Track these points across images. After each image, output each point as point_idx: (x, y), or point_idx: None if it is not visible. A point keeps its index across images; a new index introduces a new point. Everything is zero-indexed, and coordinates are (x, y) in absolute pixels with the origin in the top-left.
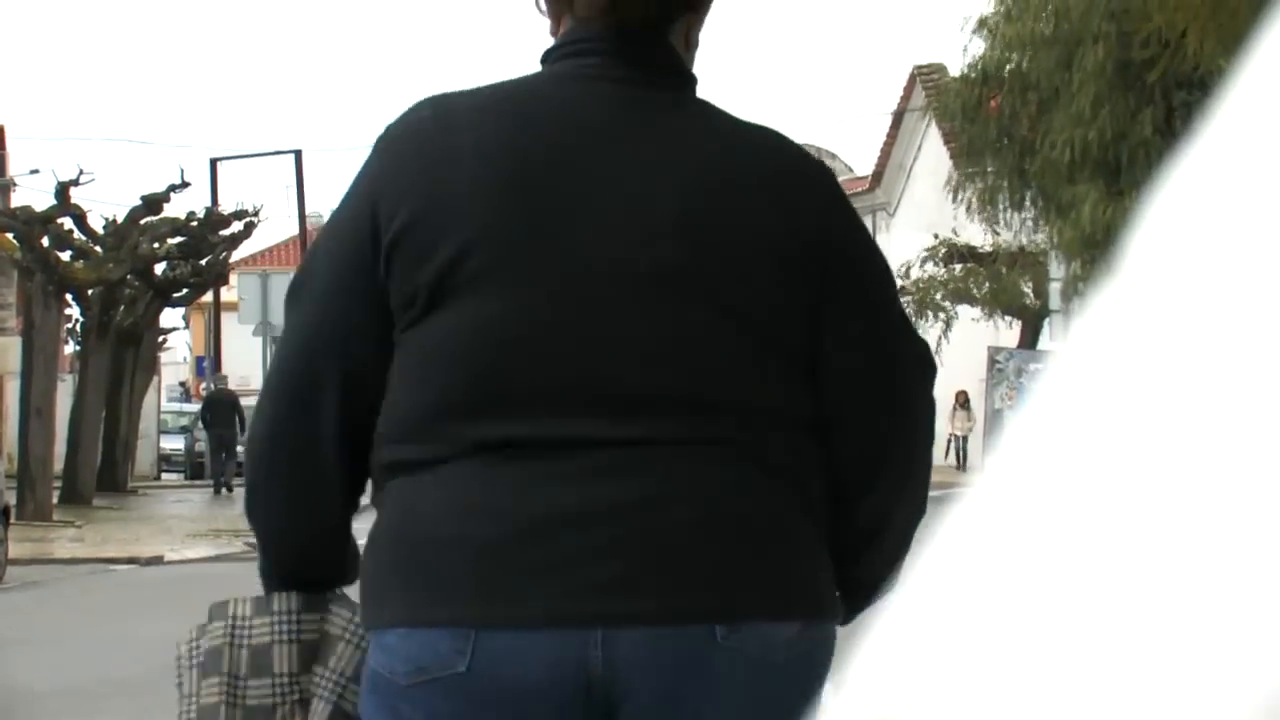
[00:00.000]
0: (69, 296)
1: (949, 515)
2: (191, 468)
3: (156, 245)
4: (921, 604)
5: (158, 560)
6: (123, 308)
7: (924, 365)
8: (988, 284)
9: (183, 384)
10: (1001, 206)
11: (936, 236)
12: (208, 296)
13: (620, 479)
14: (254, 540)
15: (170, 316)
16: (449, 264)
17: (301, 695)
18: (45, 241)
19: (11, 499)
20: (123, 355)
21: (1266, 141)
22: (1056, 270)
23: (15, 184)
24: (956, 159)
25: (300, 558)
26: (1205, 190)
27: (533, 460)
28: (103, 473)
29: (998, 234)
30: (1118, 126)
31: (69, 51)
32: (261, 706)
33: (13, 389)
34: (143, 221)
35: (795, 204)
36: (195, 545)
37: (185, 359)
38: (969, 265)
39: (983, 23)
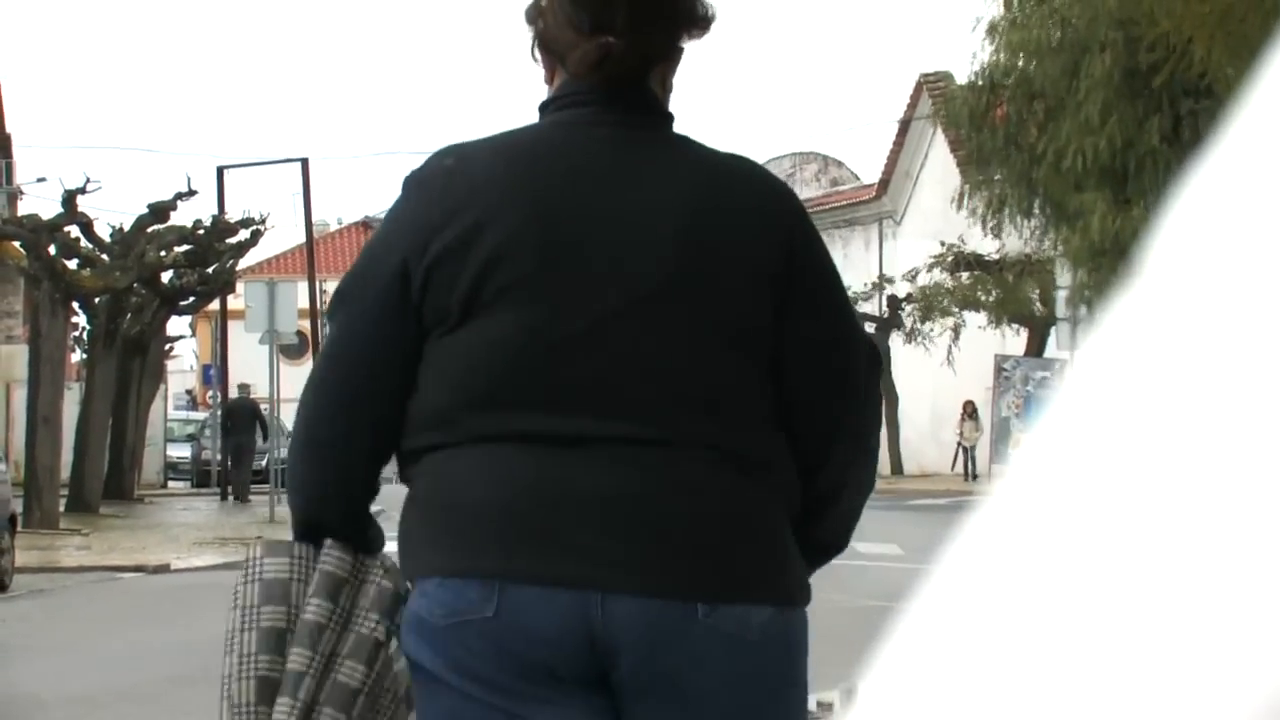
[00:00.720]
0: (76, 305)
1: (964, 525)
2: (198, 475)
3: (163, 253)
4: (937, 613)
5: (164, 568)
6: (129, 316)
7: (871, 357)
8: (995, 291)
9: (189, 392)
10: (1009, 214)
11: (943, 244)
12: (214, 304)
13: (620, 471)
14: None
15: (177, 325)
16: (476, 285)
17: (346, 620)
18: (52, 250)
19: (18, 507)
20: (129, 363)
21: None
22: (1063, 278)
23: (22, 192)
24: (963, 167)
25: (333, 533)
26: (1223, 200)
27: (544, 449)
28: (109, 481)
29: (999, 241)
30: (1125, 135)
31: (75, 60)
32: (317, 623)
33: (19, 397)
34: (149, 230)
35: (769, 223)
36: (202, 553)
37: (192, 367)
38: (976, 273)
39: (993, 27)
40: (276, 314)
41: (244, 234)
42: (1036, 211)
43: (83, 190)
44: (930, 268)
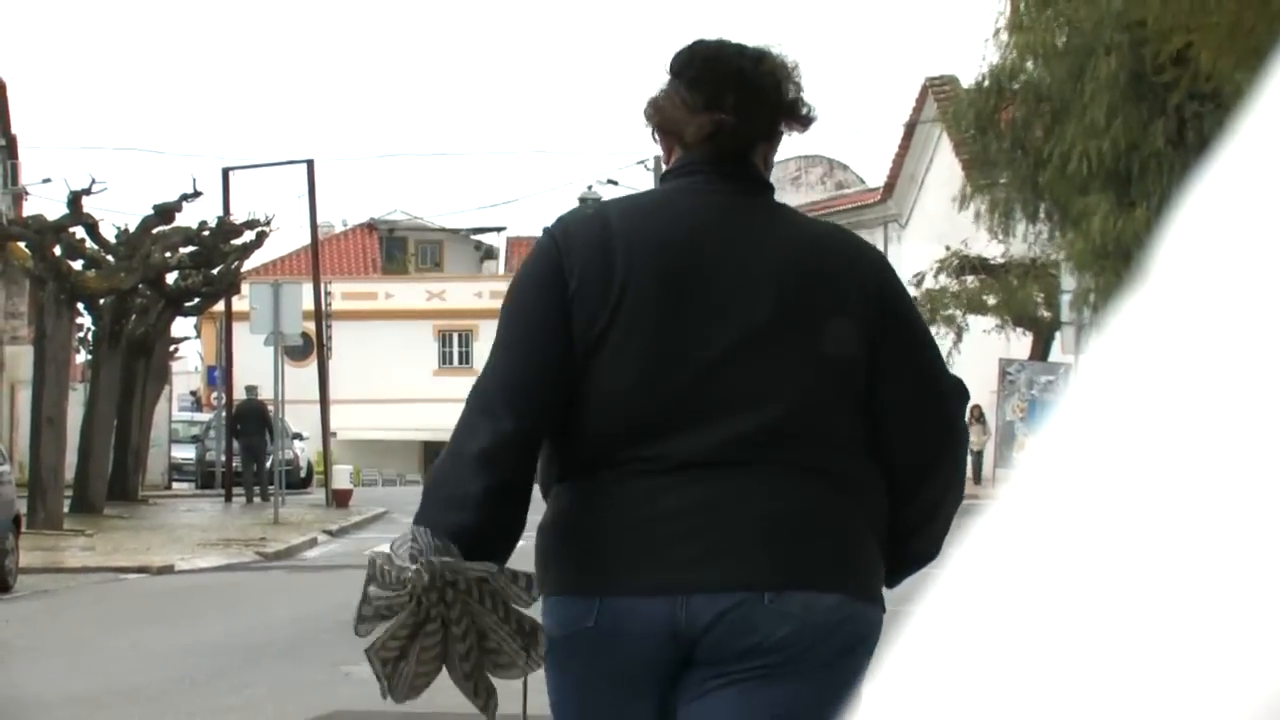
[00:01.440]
0: (81, 306)
1: (972, 528)
2: (202, 477)
3: (168, 254)
4: (943, 617)
5: (168, 569)
6: (134, 317)
7: (961, 394)
8: (1000, 295)
9: (194, 393)
10: (1014, 218)
11: (948, 248)
12: (219, 306)
13: (705, 486)
14: (265, 550)
15: (182, 326)
16: (606, 324)
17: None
18: (57, 251)
19: (23, 508)
20: (134, 364)
21: None
22: (1068, 282)
23: (27, 193)
24: (968, 170)
25: (469, 538)
26: (1228, 204)
27: (649, 473)
28: (114, 482)
29: (1004, 243)
30: (1130, 137)
31: (81, 61)
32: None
33: (24, 398)
34: (155, 231)
35: (862, 277)
36: (206, 554)
37: (196, 368)
38: (981, 277)
39: (1011, 25)
40: (281, 315)
41: (249, 235)
42: (1041, 215)
43: (88, 191)
44: (936, 273)
